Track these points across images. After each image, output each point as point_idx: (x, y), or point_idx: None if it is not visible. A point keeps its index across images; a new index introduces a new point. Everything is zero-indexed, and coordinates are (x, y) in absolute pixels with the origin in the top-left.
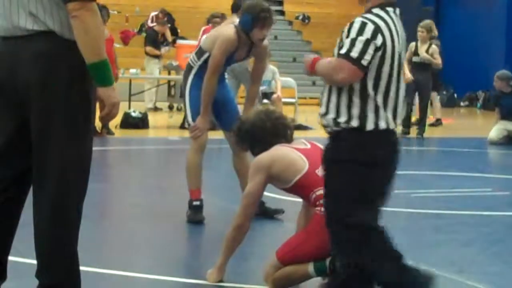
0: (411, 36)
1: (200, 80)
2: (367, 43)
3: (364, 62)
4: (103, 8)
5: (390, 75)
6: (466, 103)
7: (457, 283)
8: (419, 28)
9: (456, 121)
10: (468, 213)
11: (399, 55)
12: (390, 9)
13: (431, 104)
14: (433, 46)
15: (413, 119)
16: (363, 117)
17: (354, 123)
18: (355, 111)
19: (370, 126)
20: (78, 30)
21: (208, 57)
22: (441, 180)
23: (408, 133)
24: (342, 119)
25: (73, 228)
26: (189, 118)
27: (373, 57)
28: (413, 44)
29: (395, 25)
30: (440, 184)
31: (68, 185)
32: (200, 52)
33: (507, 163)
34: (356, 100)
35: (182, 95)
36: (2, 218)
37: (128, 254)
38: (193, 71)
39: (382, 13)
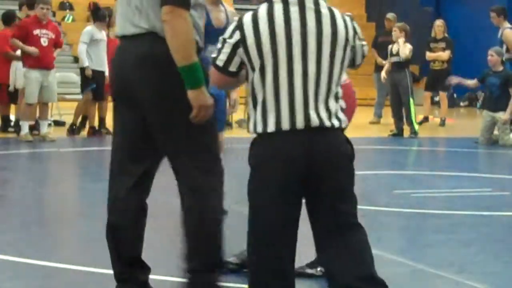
0: (411, 36)
1: None
2: (224, 43)
3: (220, 63)
4: (106, 9)
5: (263, 70)
6: (466, 103)
7: (457, 283)
8: (394, 28)
9: (456, 121)
10: (467, 213)
11: (285, 47)
12: (278, 2)
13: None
14: (408, 45)
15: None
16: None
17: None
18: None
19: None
20: (168, 34)
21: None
22: (440, 180)
23: (401, 134)
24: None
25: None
26: None
27: (231, 55)
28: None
29: (272, 17)
30: (439, 184)
31: (196, 170)
32: None
33: (506, 163)
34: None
35: None
36: (139, 213)
37: None
38: None
39: (264, 6)
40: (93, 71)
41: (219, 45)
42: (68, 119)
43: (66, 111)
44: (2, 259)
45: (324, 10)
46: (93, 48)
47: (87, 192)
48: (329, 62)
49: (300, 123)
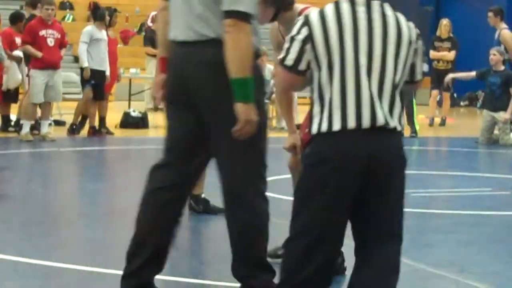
0: None
1: None
2: (292, 41)
3: (290, 62)
4: (107, 9)
5: (331, 68)
6: (466, 102)
7: (457, 282)
8: None
9: (456, 120)
10: (468, 213)
11: (351, 45)
12: (345, 2)
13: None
14: None
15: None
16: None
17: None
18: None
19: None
20: (227, 45)
21: None
22: (441, 179)
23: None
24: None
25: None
26: None
27: (300, 53)
28: None
29: (340, 15)
30: (439, 183)
31: (246, 174)
32: None
33: (507, 163)
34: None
35: None
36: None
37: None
38: None
39: (331, 5)
40: (94, 70)
41: (286, 45)
42: (68, 119)
43: (66, 111)
44: (2, 259)
45: (389, 13)
46: (93, 47)
47: (87, 192)
48: (394, 62)
49: (366, 122)
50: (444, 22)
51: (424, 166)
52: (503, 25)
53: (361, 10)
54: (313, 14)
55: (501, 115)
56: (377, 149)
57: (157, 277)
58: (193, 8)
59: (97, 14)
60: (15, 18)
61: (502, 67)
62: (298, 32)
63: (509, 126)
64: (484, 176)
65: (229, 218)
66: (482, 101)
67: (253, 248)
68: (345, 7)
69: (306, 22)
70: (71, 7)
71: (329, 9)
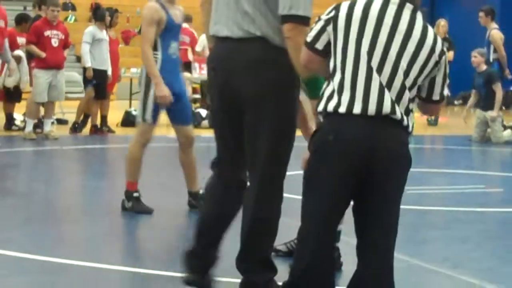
0: None
1: (166, 74)
2: (318, 21)
3: (309, 39)
4: (108, 10)
5: (345, 52)
6: (460, 101)
7: (452, 278)
8: None
9: (450, 119)
10: (462, 210)
11: (370, 36)
12: None
13: None
14: None
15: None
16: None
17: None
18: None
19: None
20: (291, 49)
21: (162, 43)
22: (435, 177)
23: None
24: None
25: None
26: (147, 114)
27: (320, 32)
28: None
29: (369, 7)
30: (434, 181)
31: (273, 170)
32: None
33: (499, 160)
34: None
35: (145, 90)
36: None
37: (128, 248)
38: (158, 65)
39: None
40: (96, 70)
41: (314, 25)
42: (71, 118)
43: (68, 110)
44: (6, 255)
45: (419, 18)
46: (95, 47)
47: (90, 189)
48: (408, 62)
49: (372, 107)
50: (442, 23)
51: (418, 164)
52: (494, 25)
53: (392, 8)
54: (345, 2)
55: (490, 114)
56: (381, 138)
57: (158, 272)
58: (240, 5)
59: (97, 15)
60: (21, 19)
61: (485, 67)
62: (327, 14)
63: (500, 124)
64: (478, 174)
65: (247, 210)
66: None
67: (260, 244)
68: (377, 2)
69: (337, 7)
70: (73, 8)
71: (362, 1)
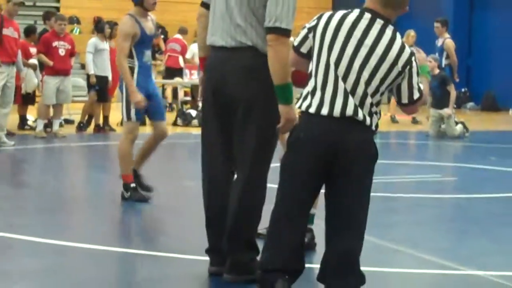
0: None
1: (142, 79)
2: (303, 29)
3: (295, 43)
4: (108, 23)
5: (319, 59)
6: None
7: (412, 256)
8: None
9: (410, 117)
10: (420, 196)
11: (339, 47)
12: (357, 11)
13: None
14: None
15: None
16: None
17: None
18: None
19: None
20: (270, 57)
21: (136, 52)
22: (398, 168)
23: None
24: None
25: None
26: (132, 113)
27: (304, 38)
28: None
29: (344, 19)
30: (397, 171)
31: (258, 164)
32: (129, 54)
33: (453, 152)
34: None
35: (126, 93)
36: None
37: (128, 232)
38: (135, 71)
39: (346, 11)
40: (98, 76)
41: (300, 31)
42: (77, 118)
43: (74, 111)
44: (20, 239)
45: (388, 33)
46: (97, 56)
47: (94, 181)
48: (370, 73)
49: (337, 111)
50: (412, 33)
51: (382, 156)
52: (447, 35)
53: (363, 23)
54: (327, 13)
55: (445, 111)
56: (343, 136)
57: (154, 253)
58: (233, 19)
59: (98, 27)
60: (29, 32)
61: (437, 71)
62: (310, 22)
63: (453, 120)
64: (434, 165)
65: (236, 196)
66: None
67: (247, 227)
68: (352, 16)
69: (319, 17)
70: (78, 21)
71: (339, 13)
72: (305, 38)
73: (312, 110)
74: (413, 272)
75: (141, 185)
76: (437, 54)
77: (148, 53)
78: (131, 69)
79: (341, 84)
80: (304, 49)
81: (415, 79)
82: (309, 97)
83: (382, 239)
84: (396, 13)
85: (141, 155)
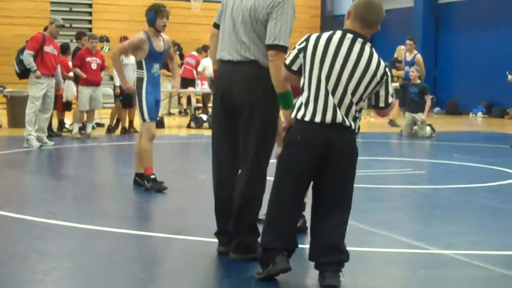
0: None
1: (151, 87)
2: (293, 49)
3: (287, 62)
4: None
5: (310, 75)
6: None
7: (388, 238)
8: None
9: (386, 120)
10: (395, 187)
11: (328, 65)
12: (340, 32)
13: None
14: None
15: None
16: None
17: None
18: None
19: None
20: (272, 70)
21: (146, 64)
22: (375, 163)
23: None
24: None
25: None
26: (146, 115)
27: (295, 57)
28: None
29: (330, 40)
30: (375, 166)
31: (259, 159)
32: (138, 65)
33: (422, 150)
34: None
35: (138, 100)
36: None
37: (149, 217)
38: (145, 81)
39: (330, 32)
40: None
41: (290, 51)
42: (106, 122)
43: (104, 116)
44: (57, 224)
45: (367, 49)
46: (123, 70)
47: (120, 175)
48: (355, 85)
49: (328, 119)
50: (402, 47)
51: (364, 153)
52: (416, 51)
53: (347, 42)
54: (314, 35)
55: (420, 116)
56: (333, 139)
57: (172, 236)
58: (238, 37)
59: None
60: (65, 49)
61: (419, 81)
62: (299, 44)
63: (425, 123)
64: (407, 160)
65: (241, 186)
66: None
67: (251, 212)
68: (336, 37)
69: (307, 39)
70: (108, 40)
71: (325, 34)
72: (296, 57)
73: (307, 118)
74: (389, 251)
75: (138, 183)
76: (407, 67)
77: (156, 66)
78: (141, 79)
79: (331, 97)
80: (295, 67)
81: (390, 86)
82: (303, 108)
83: (362, 223)
84: (371, 32)
85: (138, 157)
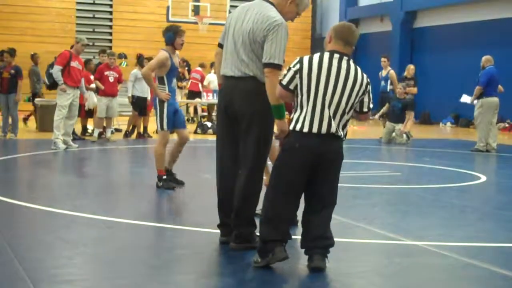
0: None
1: (171, 100)
2: (289, 70)
3: (284, 82)
4: (147, 59)
5: (308, 92)
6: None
7: (368, 230)
8: None
9: (367, 128)
10: (374, 186)
11: (324, 82)
12: (328, 53)
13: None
14: None
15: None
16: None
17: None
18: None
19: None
20: (267, 85)
21: (167, 79)
22: (357, 165)
23: None
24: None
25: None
26: (164, 125)
27: (292, 78)
28: None
29: (322, 61)
30: (356, 168)
31: (257, 162)
32: (160, 80)
33: (399, 154)
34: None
35: (160, 110)
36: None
37: (162, 210)
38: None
39: (318, 54)
40: (139, 97)
41: (285, 71)
42: (124, 128)
43: (122, 122)
44: (81, 216)
45: (352, 66)
46: (138, 83)
47: (136, 174)
48: (347, 97)
49: (324, 130)
50: (411, 66)
51: (348, 157)
52: (389, 68)
53: (335, 61)
54: (306, 57)
55: (399, 126)
56: (326, 146)
57: (180, 227)
58: (239, 56)
59: (139, 62)
60: (86, 64)
61: (403, 96)
62: (294, 66)
63: (403, 132)
64: (385, 163)
65: (241, 184)
66: (379, 115)
67: (250, 207)
68: (326, 57)
69: (300, 61)
70: (125, 57)
71: (316, 56)
72: (293, 78)
73: (305, 130)
74: (368, 242)
75: (175, 181)
76: (382, 82)
77: (174, 80)
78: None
79: (326, 110)
80: (291, 86)
81: (370, 94)
82: (300, 121)
83: (345, 217)
84: (351, 50)
85: (171, 156)
